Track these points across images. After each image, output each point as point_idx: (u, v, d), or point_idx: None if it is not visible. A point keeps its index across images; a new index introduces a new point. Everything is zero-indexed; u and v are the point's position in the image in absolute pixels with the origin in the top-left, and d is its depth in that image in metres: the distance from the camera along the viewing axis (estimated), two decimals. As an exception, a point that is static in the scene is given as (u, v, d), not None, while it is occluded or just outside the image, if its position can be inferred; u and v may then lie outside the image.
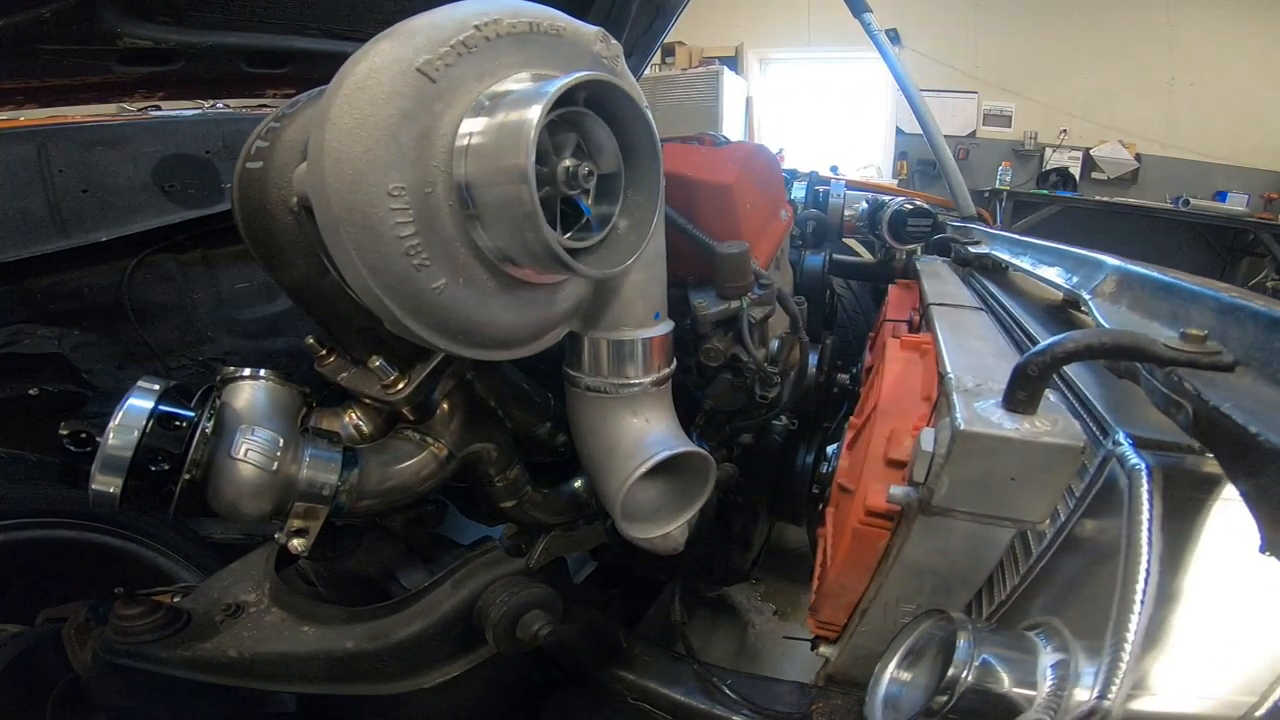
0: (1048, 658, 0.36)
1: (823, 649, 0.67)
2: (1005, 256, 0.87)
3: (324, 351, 0.56)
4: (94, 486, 0.40)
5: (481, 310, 0.41)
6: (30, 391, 0.86)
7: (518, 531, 0.78)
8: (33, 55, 0.77)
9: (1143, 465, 0.35)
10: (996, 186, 5.61)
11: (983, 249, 1.04)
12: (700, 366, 0.69)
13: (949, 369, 0.44)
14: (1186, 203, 5.00)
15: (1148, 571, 0.32)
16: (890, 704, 0.43)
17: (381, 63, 0.37)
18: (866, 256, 1.42)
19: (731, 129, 6.16)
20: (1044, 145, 5.85)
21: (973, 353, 0.51)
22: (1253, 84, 5.22)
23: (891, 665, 0.45)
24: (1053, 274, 0.65)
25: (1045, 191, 5.56)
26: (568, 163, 0.40)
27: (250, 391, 0.48)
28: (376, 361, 0.49)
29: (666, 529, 0.58)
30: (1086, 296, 0.51)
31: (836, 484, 0.63)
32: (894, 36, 6.55)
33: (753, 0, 6.39)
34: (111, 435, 0.40)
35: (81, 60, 0.84)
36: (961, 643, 0.37)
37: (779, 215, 0.80)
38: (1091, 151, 5.66)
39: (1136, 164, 5.60)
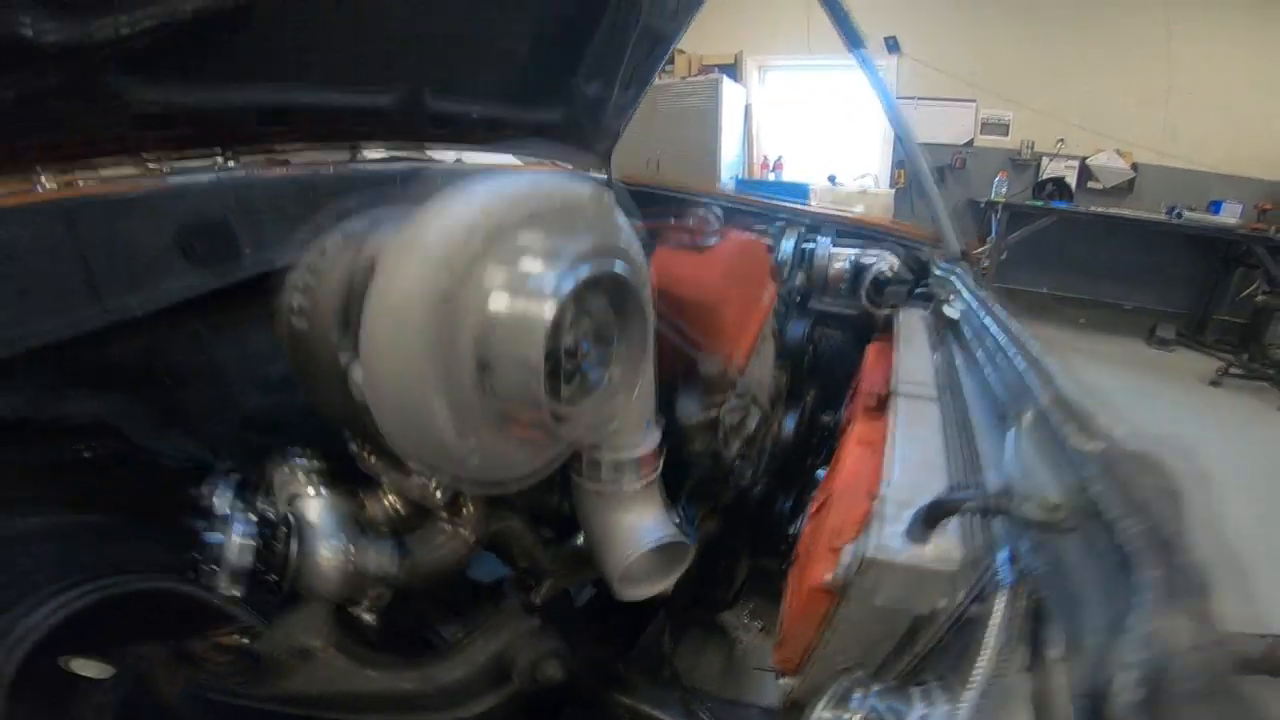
0: (918, 710, 0.48)
1: (784, 680, 0.79)
2: (968, 336, 0.97)
3: (366, 453, 0.68)
4: (224, 590, 0.52)
5: (503, 461, 0.53)
6: (84, 454, 0.90)
7: (525, 570, 0.91)
8: (46, 116, 0.81)
9: (1006, 581, 0.46)
10: (992, 198, 5.64)
11: (955, 313, 1.14)
12: (684, 457, 0.81)
13: (882, 492, 0.56)
14: (1180, 215, 5.06)
15: (990, 657, 0.43)
16: None
17: (409, 296, 0.47)
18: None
19: (730, 137, 6.21)
20: (1041, 154, 5.89)
21: (910, 464, 0.63)
22: (1250, 92, 5.28)
23: (819, 707, 0.57)
24: (994, 382, 0.76)
25: (1040, 203, 5.61)
26: (570, 339, 0.51)
27: (319, 507, 0.60)
28: (417, 478, 0.61)
29: (655, 590, 0.70)
30: (1010, 423, 0.62)
31: (798, 547, 0.75)
32: (893, 44, 6.62)
33: (753, 9, 6.43)
34: (233, 558, 0.52)
35: (94, 122, 0.87)
36: (855, 695, 0.49)
37: (761, 301, 0.91)
38: (1088, 161, 5.72)
39: (1133, 173, 5.67)
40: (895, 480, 0.59)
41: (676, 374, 0.79)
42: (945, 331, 1.15)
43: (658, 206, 2.20)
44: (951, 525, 0.50)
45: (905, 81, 6.24)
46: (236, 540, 0.53)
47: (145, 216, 0.91)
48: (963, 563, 0.47)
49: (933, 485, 0.61)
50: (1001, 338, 0.83)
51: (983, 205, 5.79)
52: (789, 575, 0.79)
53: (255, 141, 1.13)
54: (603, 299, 0.54)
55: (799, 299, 1.15)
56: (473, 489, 0.51)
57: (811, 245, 1.34)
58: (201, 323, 1.04)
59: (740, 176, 6.65)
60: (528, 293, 0.48)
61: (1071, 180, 5.77)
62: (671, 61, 6.50)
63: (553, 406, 0.47)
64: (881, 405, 0.86)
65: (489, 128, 1.57)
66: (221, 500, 0.62)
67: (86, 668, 0.67)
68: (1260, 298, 5.02)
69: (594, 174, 2.08)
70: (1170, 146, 5.60)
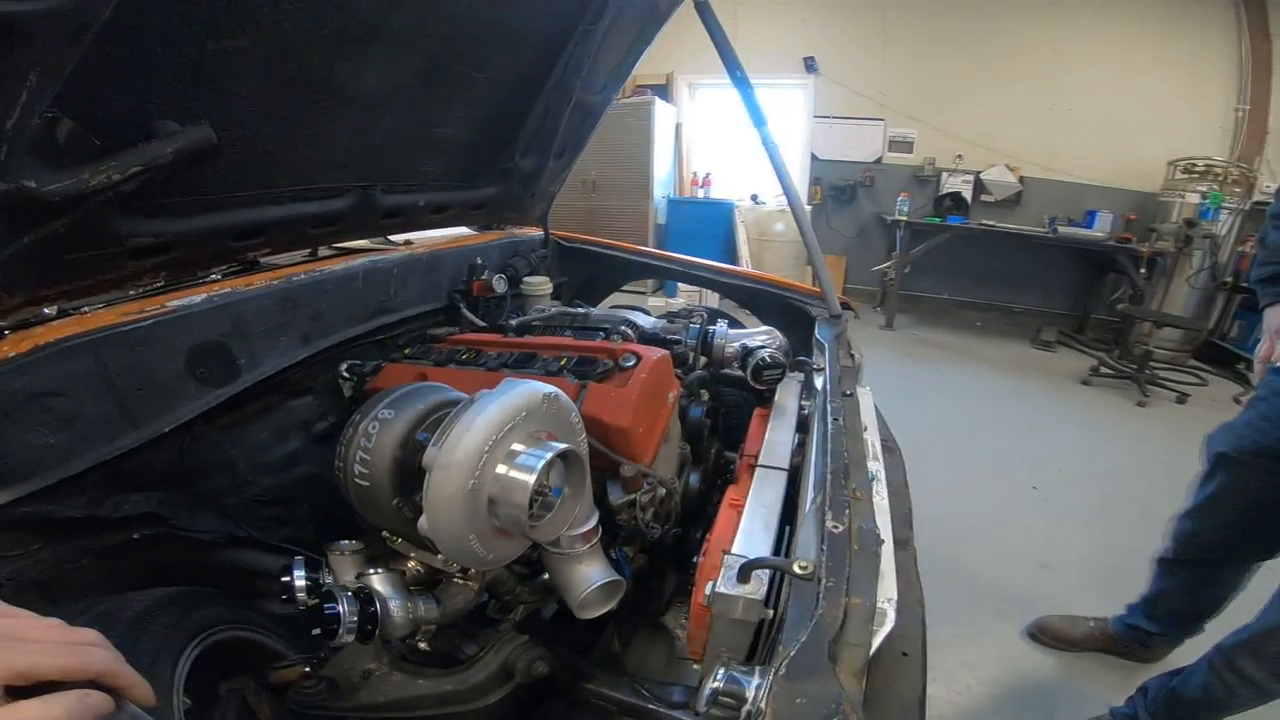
0: (756, 680, 0.85)
1: (695, 665, 1.16)
2: (815, 418, 1.38)
3: (395, 538, 1.03)
4: (343, 641, 0.86)
5: (500, 554, 0.88)
6: (134, 537, 1.10)
7: (506, 600, 1.27)
8: (58, 263, 0.90)
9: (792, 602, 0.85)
10: (896, 217, 6.12)
11: (819, 381, 1.53)
12: (615, 524, 1.19)
13: (731, 549, 0.95)
14: (1055, 229, 5.63)
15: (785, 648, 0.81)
16: (706, 697, 0.92)
17: (451, 491, 0.79)
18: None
19: (662, 156, 6.45)
20: (941, 170, 6.38)
21: (754, 527, 1.02)
22: (1123, 108, 5.89)
23: (708, 681, 0.93)
24: (821, 463, 1.16)
25: (939, 219, 6.13)
26: (538, 486, 0.85)
27: (381, 580, 0.95)
28: (441, 558, 0.96)
29: (605, 609, 1.07)
30: (814, 497, 1.01)
31: (697, 574, 1.13)
32: (811, 64, 7.11)
33: (685, 27, 6.68)
34: (350, 619, 0.86)
35: (99, 261, 0.96)
36: (720, 670, 0.86)
37: (666, 402, 1.29)
38: (982, 175, 6.26)
39: (1020, 186, 6.24)
40: (740, 542, 0.98)
41: (606, 471, 1.16)
42: (812, 400, 1.55)
43: (589, 261, 2.48)
44: (763, 575, 0.88)
45: (822, 100, 6.61)
46: (348, 609, 0.86)
47: (159, 344, 1.00)
48: (773, 593, 0.86)
49: (762, 543, 1.00)
50: (829, 428, 1.23)
51: (890, 222, 6.24)
52: (692, 592, 1.18)
53: (231, 256, 1.23)
54: (558, 461, 0.90)
55: (700, 382, 1.51)
56: (481, 568, 0.86)
57: (712, 329, 1.70)
58: (212, 426, 1.20)
59: (672, 194, 6.87)
60: (519, 465, 0.83)
61: (968, 194, 6.25)
62: (607, 85, 6.74)
63: (530, 525, 0.83)
64: (750, 469, 1.25)
65: (434, 211, 1.76)
66: (299, 576, 0.93)
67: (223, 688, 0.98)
68: (1122, 306, 5.60)
69: (531, 232, 2.32)
70: (1052, 160, 6.15)
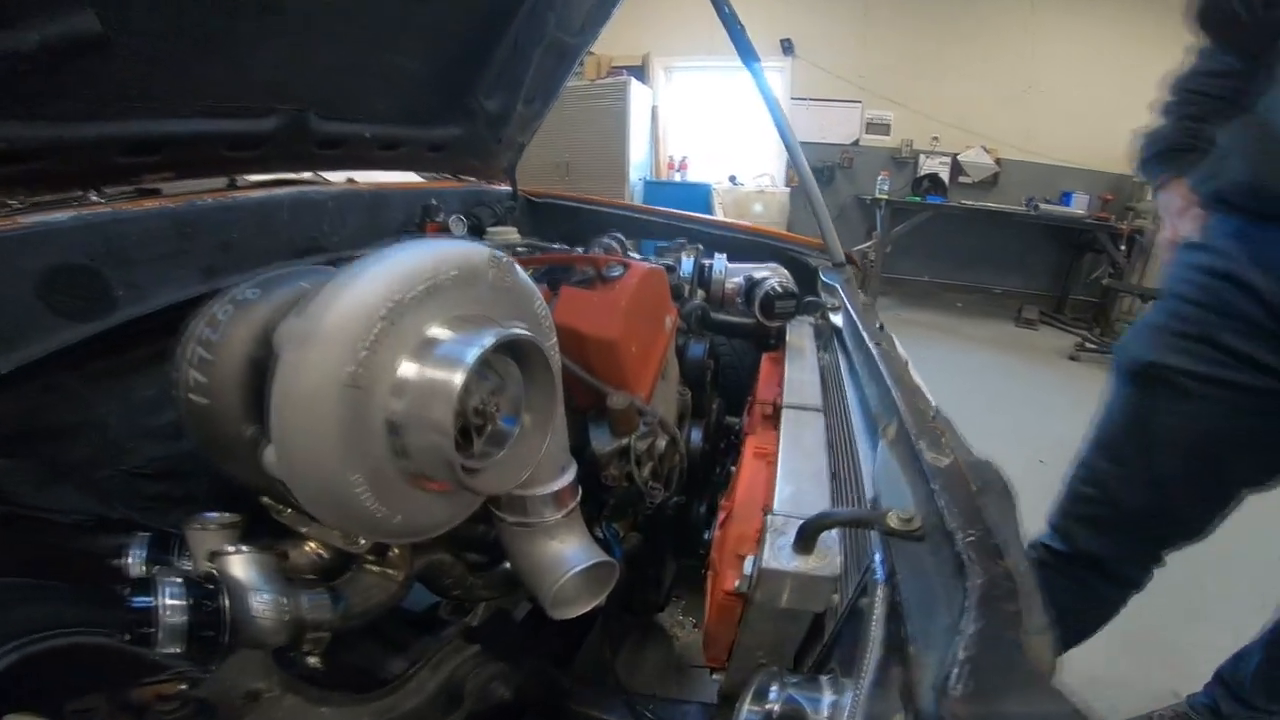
0: (829, 696, 0.56)
1: (715, 675, 0.86)
2: (849, 346, 1.10)
3: (280, 507, 0.69)
4: (163, 650, 0.53)
5: (425, 518, 0.56)
6: None
7: (458, 596, 0.94)
8: None
9: (880, 579, 0.55)
10: (876, 196, 6.06)
11: (838, 320, 1.27)
12: (602, 483, 0.87)
13: (773, 508, 0.64)
14: (1036, 207, 5.62)
15: (875, 643, 0.52)
16: None
17: (315, 383, 0.48)
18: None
19: (638, 139, 6.28)
20: (918, 152, 6.36)
21: (797, 477, 0.72)
22: (1097, 91, 5.89)
23: (746, 701, 0.64)
24: (869, 393, 0.87)
25: (918, 198, 6.09)
26: (478, 399, 0.55)
27: (243, 564, 0.61)
28: (337, 532, 0.63)
29: (588, 608, 0.75)
30: (879, 432, 0.72)
31: (711, 555, 0.83)
32: (788, 46, 6.94)
33: (660, 9, 6.53)
34: (167, 618, 0.53)
35: None
36: (773, 687, 0.57)
37: (663, 328, 0.98)
38: (959, 157, 6.24)
39: (997, 168, 6.23)
40: (783, 497, 0.68)
41: (587, 409, 0.85)
42: (831, 338, 1.28)
43: (563, 218, 2.25)
44: (832, 537, 0.59)
45: (799, 83, 6.57)
46: (167, 603, 0.53)
47: (-1, 263, 0.83)
48: (844, 566, 0.56)
49: (816, 496, 0.70)
50: (874, 351, 0.94)
51: (869, 202, 6.21)
52: (707, 579, 0.88)
53: (122, 176, 1.05)
54: (509, 361, 0.58)
55: (698, 320, 1.23)
56: (395, 542, 0.54)
57: (709, 263, 1.43)
58: (77, 375, 0.96)
59: (648, 177, 6.75)
60: (436, 360, 0.51)
61: (945, 176, 6.28)
62: (581, 64, 6.49)
63: (464, 463, 0.51)
64: (773, 417, 0.95)
65: (383, 147, 1.52)
66: (136, 561, 0.61)
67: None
68: (1106, 280, 5.68)
69: (498, 187, 2.08)
70: (1028, 143, 6.14)
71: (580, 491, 0.73)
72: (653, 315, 0.94)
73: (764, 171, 6.63)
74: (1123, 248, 5.34)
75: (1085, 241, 5.81)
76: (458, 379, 0.50)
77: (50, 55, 0.77)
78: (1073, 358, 4.69)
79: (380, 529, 0.52)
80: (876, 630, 0.52)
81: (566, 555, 0.69)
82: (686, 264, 1.40)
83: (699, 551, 1.06)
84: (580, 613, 0.74)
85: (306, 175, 1.54)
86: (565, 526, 0.70)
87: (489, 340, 0.52)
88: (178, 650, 0.53)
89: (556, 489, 0.68)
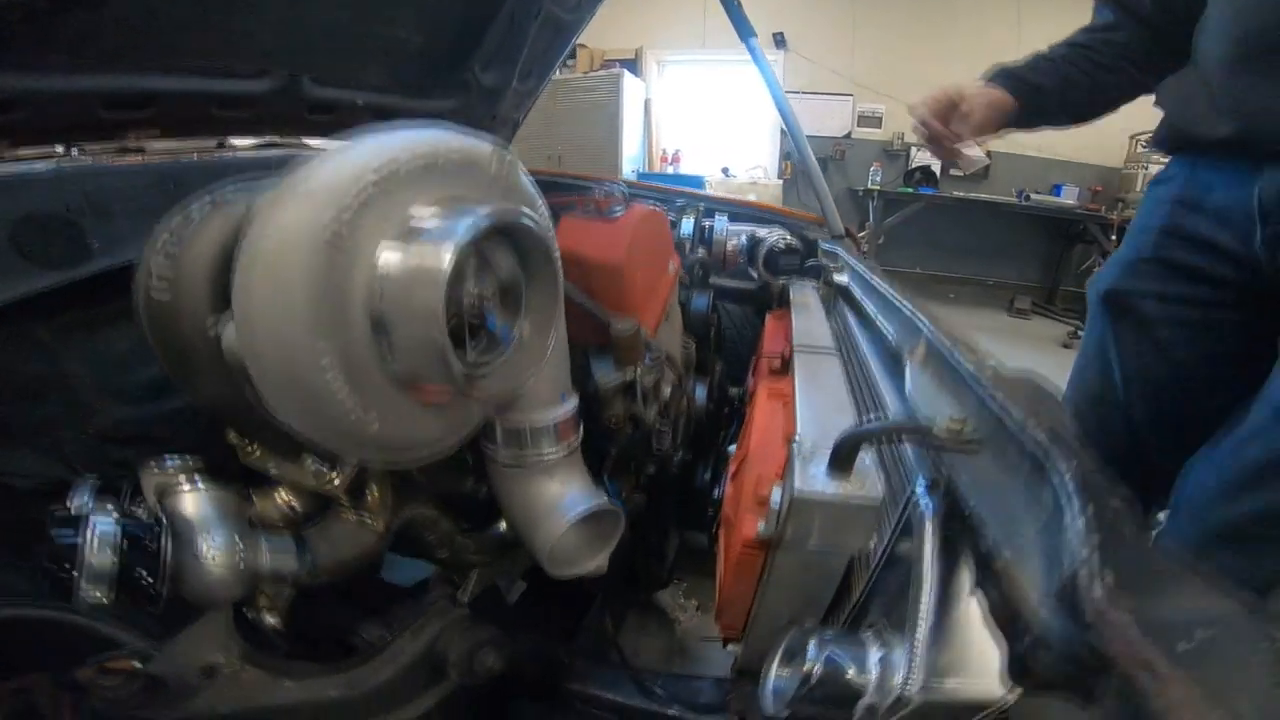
0: (874, 653, 0.48)
1: (730, 647, 0.79)
2: (858, 295, 1.03)
3: (249, 446, 0.61)
4: (86, 597, 0.44)
5: (409, 432, 0.48)
6: None
7: (445, 561, 0.86)
8: None
9: (927, 508, 0.47)
10: (869, 187, 6.06)
11: (843, 279, 1.21)
12: (604, 425, 0.79)
13: (797, 433, 0.57)
14: (1028, 197, 5.66)
15: (930, 586, 0.45)
16: (777, 694, 0.55)
17: (290, 238, 0.41)
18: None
19: (631, 132, 6.25)
20: (910, 144, 6.34)
21: (819, 408, 0.65)
22: None
23: (774, 665, 0.57)
24: (887, 326, 0.80)
25: (910, 189, 6.10)
26: (473, 294, 0.47)
27: (195, 500, 0.53)
28: (309, 463, 0.55)
29: (589, 566, 0.68)
30: (905, 357, 0.65)
31: (724, 511, 0.75)
32: (780, 40, 6.92)
33: (653, 3, 6.51)
34: (92, 558, 0.44)
35: None
36: (811, 646, 0.49)
37: (667, 270, 0.91)
38: (951, 149, 6.37)
39: (988, 160, 6.22)
40: (807, 424, 0.61)
41: (589, 342, 0.77)
42: (835, 298, 1.21)
43: (561, 192, 2.19)
44: (868, 462, 0.51)
45: (791, 76, 6.57)
46: (94, 538, 0.45)
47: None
48: (885, 496, 0.49)
49: (843, 425, 0.62)
50: (889, 292, 0.88)
51: (861, 193, 6.21)
52: (719, 540, 0.80)
53: (103, 130, 0.99)
54: (508, 254, 0.51)
55: (700, 273, 1.16)
56: (376, 462, 0.46)
57: (710, 223, 1.36)
58: (44, 325, 0.90)
59: (641, 170, 6.73)
60: (425, 240, 0.44)
61: (937, 168, 6.30)
62: (573, 56, 6.46)
63: (462, 369, 0.43)
64: (784, 366, 0.88)
65: (376, 116, 1.43)
66: (80, 505, 0.53)
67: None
68: (1097, 270, 5.78)
69: None
70: (1018, 135, 6.31)
71: (582, 429, 0.65)
72: (656, 253, 0.87)
73: (757, 164, 6.61)
74: (1113, 237, 5.33)
75: (1075, 233, 5.85)
76: (448, 256, 0.42)
77: (48, 3, 0.73)
78: (1066, 345, 4.73)
79: (353, 435, 0.44)
80: (929, 568, 0.44)
81: (567, 500, 0.61)
82: (687, 224, 1.33)
83: (705, 519, 0.99)
84: (581, 571, 0.67)
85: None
86: (566, 467, 0.63)
87: (485, 218, 0.44)
88: (102, 598, 0.44)
89: (556, 419, 0.60)
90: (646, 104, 6.71)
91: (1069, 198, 5.84)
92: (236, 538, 0.52)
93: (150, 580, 0.46)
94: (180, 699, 0.60)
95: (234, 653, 0.64)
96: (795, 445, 0.53)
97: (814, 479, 0.48)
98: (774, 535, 0.53)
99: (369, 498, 0.62)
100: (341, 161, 0.44)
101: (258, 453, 0.61)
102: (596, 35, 6.48)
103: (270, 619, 0.54)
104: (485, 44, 1.53)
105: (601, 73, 5.95)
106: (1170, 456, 1.07)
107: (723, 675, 0.86)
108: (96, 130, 0.99)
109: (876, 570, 0.55)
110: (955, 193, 5.82)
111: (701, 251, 1.25)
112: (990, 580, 0.34)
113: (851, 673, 0.48)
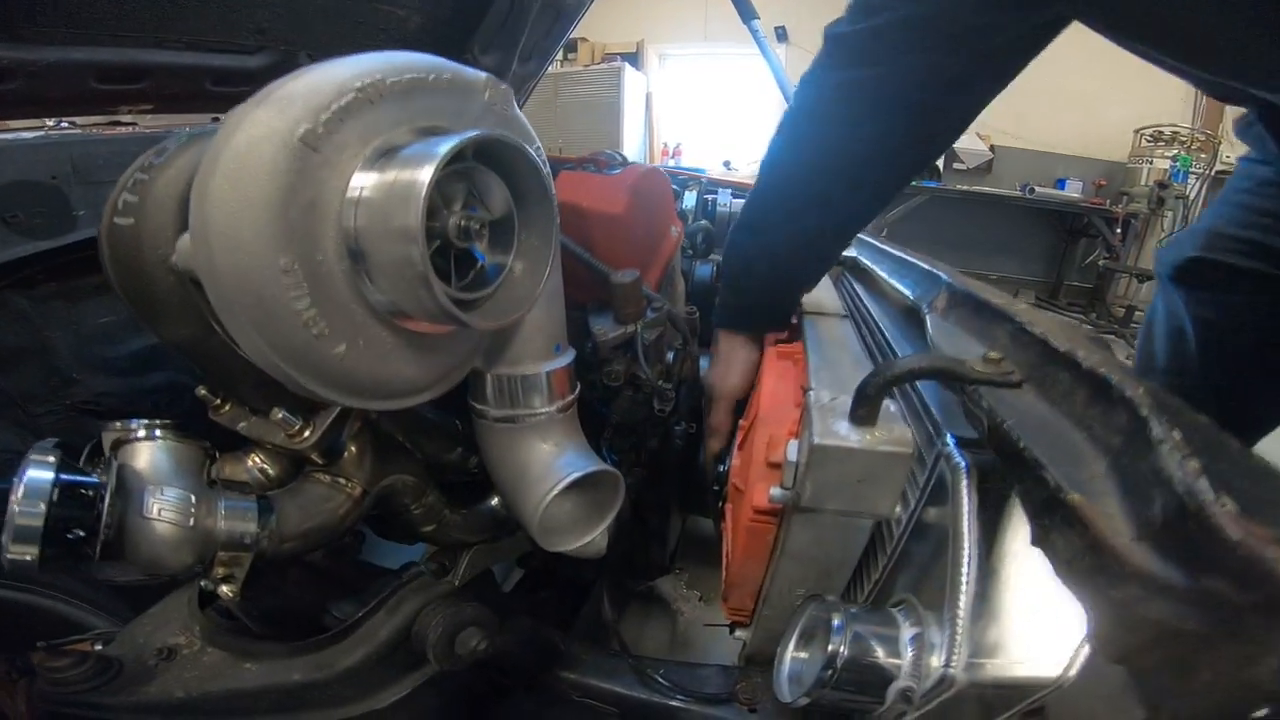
0: (907, 631, 0.43)
1: (739, 633, 0.73)
2: (868, 262, 0.98)
3: (218, 401, 0.56)
4: (10, 556, 0.39)
5: (384, 367, 0.43)
6: None
7: (438, 550, 0.80)
8: None
9: (962, 462, 0.42)
10: None
11: (851, 252, 1.16)
12: (603, 385, 0.74)
13: (811, 384, 0.51)
14: (1032, 190, 5.58)
15: (969, 553, 0.39)
16: (794, 679, 0.50)
17: (260, 134, 0.36)
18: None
19: (632, 125, 6.22)
20: None
21: (833, 364, 0.59)
22: (1089, 81, 5.67)
23: (790, 647, 0.51)
24: (902, 285, 0.75)
25: (914, 182, 6.06)
26: (459, 217, 0.42)
27: (150, 452, 0.48)
28: (279, 414, 0.50)
29: (584, 539, 0.62)
30: (925, 310, 0.60)
31: (731, 483, 0.70)
32: (781, 34, 6.86)
33: None
34: (18, 508, 0.39)
35: None
36: (836, 623, 0.44)
37: (669, 233, 0.86)
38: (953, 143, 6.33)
39: (991, 154, 6.19)
40: (822, 378, 0.55)
41: (587, 300, 0.72)
42: (842, 274, 1.17)
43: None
44: (894, 410, 0.46)
45: (793, 70, 6.51)
46: (22, 487, 0.40)
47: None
48: (916, 446, 0.44)
49: (861, 377, 0.57)
50: (902, 252, 0.83)
51: None
52: (725, 515, 0.75)
53: (95, 102, 0.98)
54: (500, 187, 0.46)
55: (704, 243, 1.11)
56: (339, 399, 0.41)
57: (713, 196, 1.31)
58: (25, 294, 0.89)
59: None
60: (407, 154, 0.39)
61: (940, 161, 6.27)
62: (574, 50, 6.43)
63: (451, 295, 0.38)
64: (791, 333, 0.83)
65: None
66: (35, 472, 0.48)
67: None
68: (1102, 263, 5.69)
69: None
70: (1022, 130, 6.18)
71: (578, 386, 0.60)
72: (658, 211, 0.82)
73: (758, 157, 6.56)
74: (1118, 231, 5.32)
75: (1080, 227, 5.81)
76: (429, 169, 0.37)
77: None
78: (1073, 340, 4.74)
79: (317, 363, 0.39)
80: (968, 530, 0.39)
81: (560, 462, 0.56)
82: (690, 197, 1.28)
83: (710, 495, 0.94)
84: (577, 545, 0.61)
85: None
86: (560, 427, 0.57)
87: (472, 137, 0.39)
88: (29, 557, 0.39)
89: (549, 370, 0.55)
90: (648, 97, 6.69)
91: (1073, 192, 5.78)
92: (190, 495, 0.47)
93: (83, 536, 0.40)
94: (136, 683, 0.55)
95: (196, 634, 0.59)
96: (811, 395, 0.48)
97: (836, 428, 0.43)
98: (790, 498, 0.47)
99: (345, 459, 0.57)
100: (326, 70, 0.40)
101: (227, 408, 0.56)
102: (597, 28, 6.45)
103: (225, 589, 0.49)
104: (485, 25, 1.52)
105: (602, 66, 5.92)
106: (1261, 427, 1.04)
107: (729, 664, 0.81)
108: (90, 103, 0.98)
109: (903, 537, 0.50)
110: (959, 186, 5.75)
111: (705, 224, 1.20)
112: (1058, 530, 0.29)
113: (881, 653, 0.43)
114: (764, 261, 0.75)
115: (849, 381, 0.54)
